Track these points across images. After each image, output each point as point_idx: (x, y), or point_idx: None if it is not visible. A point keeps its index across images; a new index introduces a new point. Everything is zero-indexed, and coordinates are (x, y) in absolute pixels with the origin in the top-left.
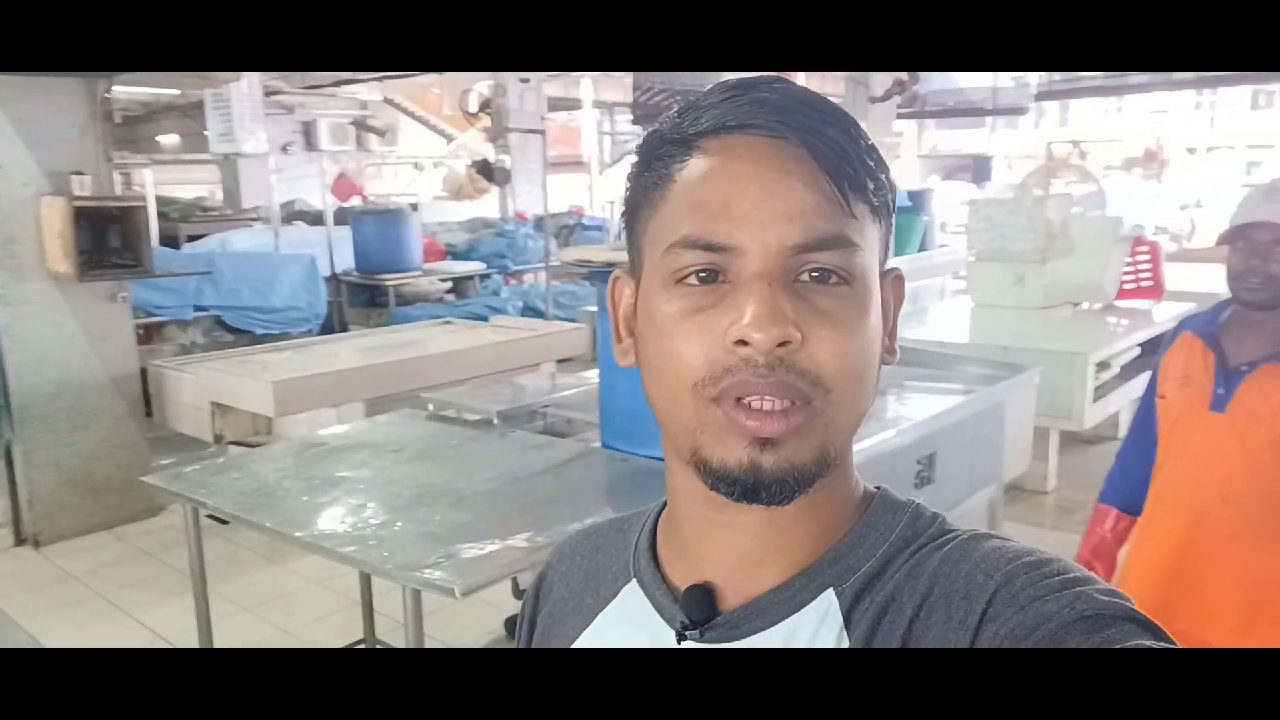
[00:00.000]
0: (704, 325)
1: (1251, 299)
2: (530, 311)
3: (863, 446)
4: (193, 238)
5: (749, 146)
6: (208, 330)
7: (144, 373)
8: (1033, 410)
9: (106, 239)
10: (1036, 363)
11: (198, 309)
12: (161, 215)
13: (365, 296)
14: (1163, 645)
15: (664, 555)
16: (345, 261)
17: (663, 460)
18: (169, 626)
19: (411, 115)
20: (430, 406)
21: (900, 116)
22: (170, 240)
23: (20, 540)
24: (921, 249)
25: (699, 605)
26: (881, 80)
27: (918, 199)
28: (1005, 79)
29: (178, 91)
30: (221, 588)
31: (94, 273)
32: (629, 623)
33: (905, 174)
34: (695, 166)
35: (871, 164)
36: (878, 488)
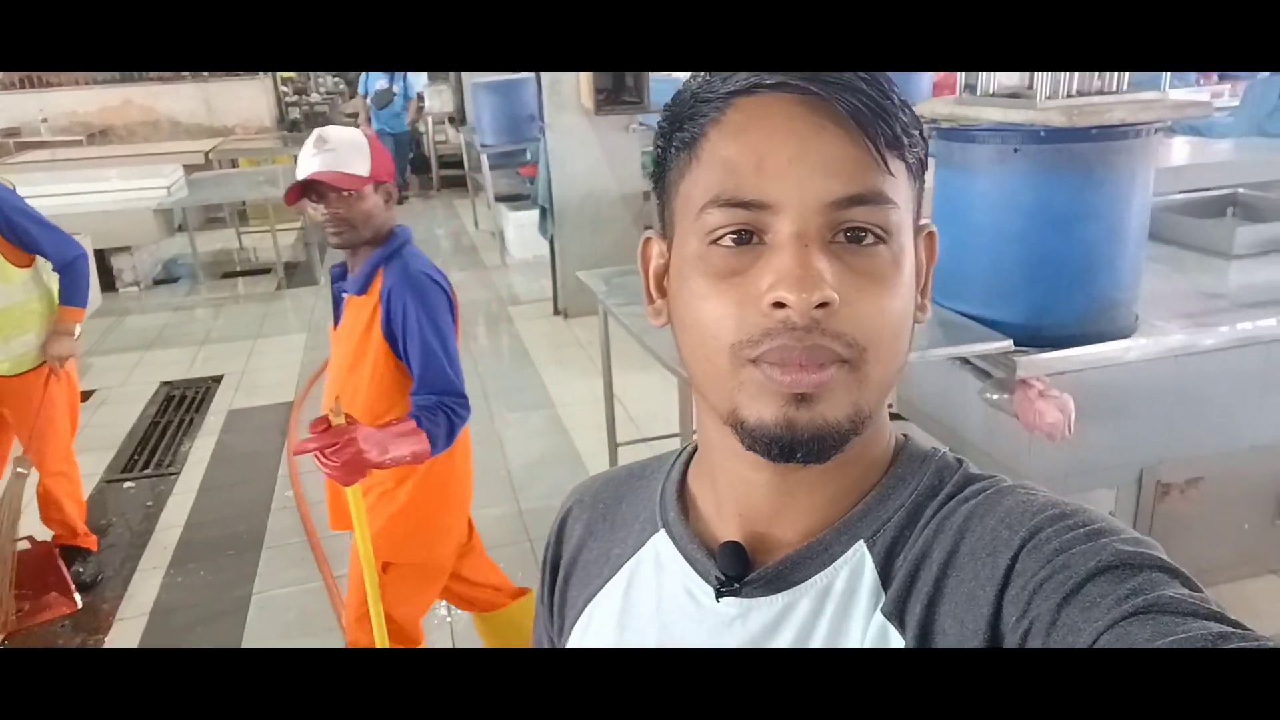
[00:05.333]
0: (739, 287)
1: (335, 243)
2: None
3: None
4: None
5: (783, 104)
6: None
7: (645, 195)
8: None
9: (623, 80)
10: None
11: None
12: None
13: None
14: (1191, 594)
15: (694, 507)
16: None
17: None
18: (631, 393)
19: None
20: None
21: None
22: None
23: (556, 311)
24: None
25: (734, 561)
26: None
27: None
28: None
29: None
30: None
31: (608, 108)
32: (660, 573)
33: None
34: (728, 125)
35: (905, 120)
36: (905, 436)
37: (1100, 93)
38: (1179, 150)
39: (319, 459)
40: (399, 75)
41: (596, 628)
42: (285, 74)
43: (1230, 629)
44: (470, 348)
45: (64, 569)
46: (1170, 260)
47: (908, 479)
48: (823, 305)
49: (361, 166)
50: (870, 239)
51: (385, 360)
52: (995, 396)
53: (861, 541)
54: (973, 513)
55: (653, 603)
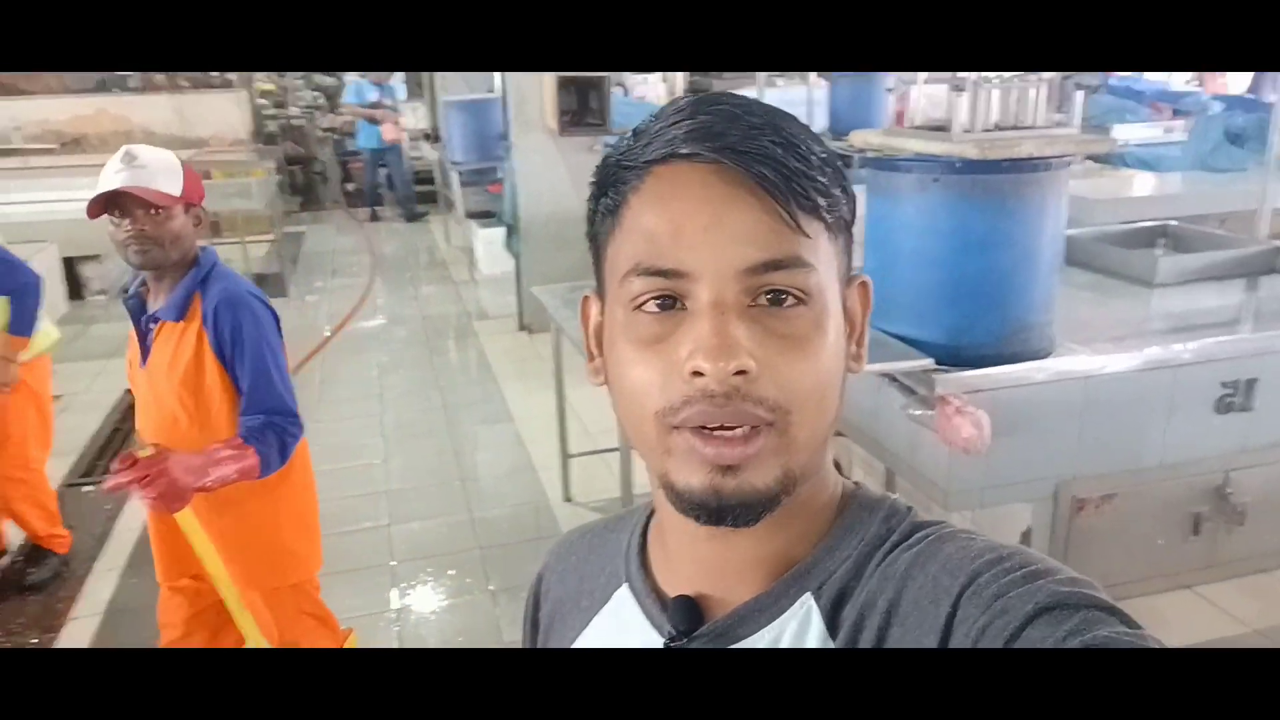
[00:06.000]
0: (662, 354)
1: (138, 262)
2: None
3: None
4: None
5: (698, 174)
6: None
7: None
8: None
9: (587, 102)
10: None
11: None
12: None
13: None
14: (1129, 630)
15: (653, 562)
16: None
17: None
18: (587, 405)
19: None
20: None
21: None
22: None
23: (522, 327)
24: None
25: (685, 615)
26: None
27: None
28: None
29: None
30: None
31: (572, 129)
32: (622, 628)
33: None
34: (647, 193)
35: (823, 181)
36: (856, 484)
37: (1015, 127)
38: (1123, 183)
39: (137, 493)
40: (388, 88)
41: None
42: (263, 86)
43: None
44: (435, 362)
45: None
46: (1097, 287)
47: (855, 528)
48: (740, 373)
49: (173, 186)
50: (791, 300)
51: (222, 383)
52: (917, 412)
53: (809, 593)
54: (914, 560)
55: None
